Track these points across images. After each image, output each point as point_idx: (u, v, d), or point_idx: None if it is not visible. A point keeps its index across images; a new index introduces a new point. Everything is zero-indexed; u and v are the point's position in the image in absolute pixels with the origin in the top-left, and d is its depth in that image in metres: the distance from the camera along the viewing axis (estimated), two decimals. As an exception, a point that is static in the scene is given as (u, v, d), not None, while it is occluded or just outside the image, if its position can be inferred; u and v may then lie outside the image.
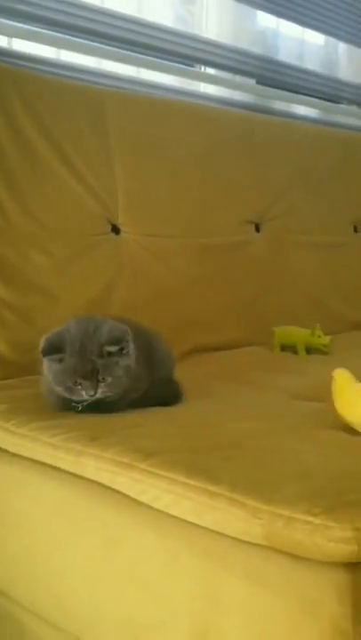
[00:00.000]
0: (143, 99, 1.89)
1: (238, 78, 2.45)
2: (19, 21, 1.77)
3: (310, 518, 0.75)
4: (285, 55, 2.67)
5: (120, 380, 1.12)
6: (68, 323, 1.15)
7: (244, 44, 2.47)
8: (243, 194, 1.99)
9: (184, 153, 1.86)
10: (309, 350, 1.75)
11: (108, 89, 1.83)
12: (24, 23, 1.79)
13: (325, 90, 2.79)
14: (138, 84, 2.06)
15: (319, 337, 1.74)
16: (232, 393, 1.34)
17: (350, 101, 2.95)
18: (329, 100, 2.85)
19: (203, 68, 2.34)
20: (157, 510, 0.88)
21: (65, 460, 1.00)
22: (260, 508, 0.78)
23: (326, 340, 1.74)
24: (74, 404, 1.13)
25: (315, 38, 2.85)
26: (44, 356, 1.11)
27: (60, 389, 1.12)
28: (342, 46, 2.98)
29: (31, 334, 1.27)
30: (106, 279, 1.60)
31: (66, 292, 1.51)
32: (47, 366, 1.13)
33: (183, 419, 1.13)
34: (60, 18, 1.83)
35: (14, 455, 1.09)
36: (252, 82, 2.50)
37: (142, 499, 0.89)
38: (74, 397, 1.12)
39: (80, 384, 1.10)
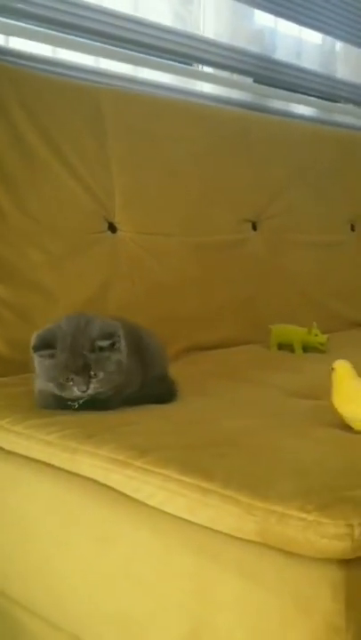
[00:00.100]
0: (140, 97, 1.89)
1: (236, 77, 2.45)
2: (16, 19, 1.77)
3: (304, 515, 0.75)
4: (283, 54, 2.67)
5: (112, 376, 1.12)
6: (60, 319, 1.15)
7: (241, 42, 2.47)
8: (240, 192, 1.99)
9: (181, 151, 1.86)
10: (306, 349, 1.75)
11: (106, 87, 1.83)
12: (21, 21, 1.79)
13: (323, 89, 2.80)
14: (135, 83, 2.06)
15: (316, 335, 1.74)
16: (228, 391, 1.34)
17: (347, 100, 2.95)
18: (326, 99, 2.85)
19: (200, 66, 2.34)
20: (152, 507, 0.88)
21: (60, 458, 1.00)
22: (253, 505, 0.78)
23: (323, 338, 1.74)
24: (69, 402, 1.13)
25: (312, 37, 2.86)
26: (35, 351, 1.11)
27: (51, 386, 1.11)
28: (340, 45, 2.98)
29: (28, 332, 1.26)
30: (103, 277, 1.60)
31: (63, 290, 1.51)
32: (38, 362, 1.12)
33: (178, 416, 1.13)
34: (58, 16, 1.84)
35: (9, 453, 1.09)
36: (250, 80, 2.50)
37: (137, 496, 0.89)
38: (65, 394, 1.11)
39: (72, 380, 1.10)
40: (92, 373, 1.10)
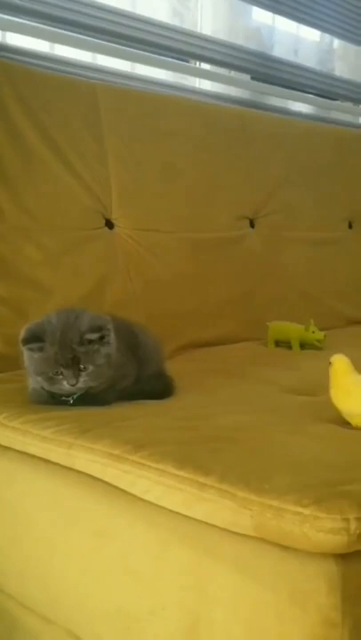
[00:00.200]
0: (137, 93, 1.89)
1: (233, 74, 2.45)
2: (12, 15, 1.77)
3: (300, 509, 0.75)
4: (280, 51, 2.67)
5: (102, 369, 1.11)
6: (49, 314, 1.14)
7: (239, 39, 2.47)
8: (237, 189, 1.99)
9: (178, 148, 1.86)
10: (304, 346, 1.75)
11: (102, 83, 1.82)
12: (18, 17, 1.78)
13: (320, 86, 2.79)
14: (132, 80, 2.06)
15: (313, 332, 1.74)
16: (225, 387, 1.34)
17: (345, 98, 2.95)
18: (324, 97, 2.85)
19: (198, 63, 2.33)
20: (148, 502, 0.87)
21: (56, 453, 1.00)
22: (249, 499, 0.78)
23: (321, 335, 1.74)
24: (64, 397, 1.13)
25: (310, 35, 2.85)
26: (24, 344, 1.11)
27: (40, 380, 1.11)
28: (337, 43, 2.98)
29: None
30: (99, 274, 1.60)
31: (59, 286, 1.51)
32: (28, 356, 1.12)
33: (174, 412, 1.13)
34: (55, 12, 1.83)
35: (6, 448, 1.09)
36: (247, 78, 2.50)
37: (133, 490, 0.89)
38: (55, 388, 1.11)
39: (61, 373, 1.09)
40: (82, 367, 1.10)
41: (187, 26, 2.31)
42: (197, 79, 2.35)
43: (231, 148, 2.00)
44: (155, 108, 1.84)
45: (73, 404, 1.13)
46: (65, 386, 1.10)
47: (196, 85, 2.34)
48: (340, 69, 2.99)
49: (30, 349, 1.11)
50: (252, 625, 0.77)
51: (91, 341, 1.10)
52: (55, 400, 1.14)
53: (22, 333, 1.12)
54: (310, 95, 2.78)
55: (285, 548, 0.76)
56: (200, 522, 0.82)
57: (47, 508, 1.02)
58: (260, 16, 2.62)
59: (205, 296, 1.81)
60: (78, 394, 1.13)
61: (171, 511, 0.85)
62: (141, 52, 2.08)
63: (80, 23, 1.89)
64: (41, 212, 1.53)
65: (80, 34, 1.91)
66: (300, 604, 0.74)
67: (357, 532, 0.73)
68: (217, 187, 1.93)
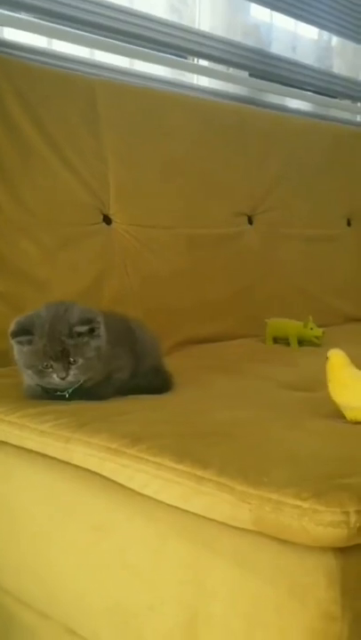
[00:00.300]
0: (135, 89, 1.88)
1: (231, 70, 2.44)
2: (10, 10, 1.76)
3: (299, 502, 0.74)
4: (279, 48, 2.66)
5: (92, 363, 1.11)
6: (40, 307, 1.14)
7: (237, 36, 2.46)
8: (235, 186, 1.98)
9: (177, 144, 1.85)
10: (302, 342, 1.75)
11: (100, 79, 1.82)
12: (15, 12, 1.77)
13: (318, 83, 2.79)
14: (130, 76, 2.05)
15: (312, 329, 1.74)
16: (223, 383, 1.33)
17: (343, 95, 2.95)
18: (322, 94, 2.84)
19: (196, 59, 2.33)
20: (146, 496, 0.87)
21: (53, 447, 0.99)
22: (248, 493, 0.77)
23: (319, 331, 1.74)
24: (58, 393, 1.12)
25: (308, 32, 2.85)
26: (12, 337, 1.10)
27: (30, 373, 1.10)
28: (335, 40, 2.98)
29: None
30: (97, 269, 1.59)
31: (56, 282, 1.50)
32: (18, 350, 1.11)
33: (172, 406, 1.13)
34: (53, 7, 1.82)
35: (3, 443, 1.08)
36: (245, 74, 2.49)
37: (131, 484, 0.88)
38: (44, 382, 1.10)
39: (51, 366, 1.09)
40: (72, 360, 1.09)
41: (185, 22, 2.30)
42: (195, 76, 2.35)
43: (229, 145, 1.99)
44: (153, 105, 1.83)
45: (69, 399, 1.12)
46: (55, 379, 1.09)
47: (194, 82, 2.33)
48: (339, 67, 2.98)
49: (19, 342, 1.10)
50: (251, 619, 0.76)
51: (80, 334, 1.10)
52: (50, 395, 1.13)
53: (11, 326, 1.11)
54: (308, 92, 2.77)
55: (284, 541, 0.75)
56: (198, 516, 0.82)
57: (44, 502, 1.01)
58: (259, 13, 2.61)
59: (203, 292, 1.81)
60: (72, 388, 1.12)
61: (169, 505, 0.84)
62: (139, 48, 2.07)
63: (78, 19, 1.88)
64: (38, 207, 1.52)
65: (78, 29, 1.91)
66: (299, 597, 0.73)
67: (357, 525, 0.73)
68: (215, 183, 1.92)
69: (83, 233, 1.59)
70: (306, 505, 0.74)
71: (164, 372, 1.29)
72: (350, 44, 2.96)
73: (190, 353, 1.64)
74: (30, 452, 1.03)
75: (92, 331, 1.11)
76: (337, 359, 1.09)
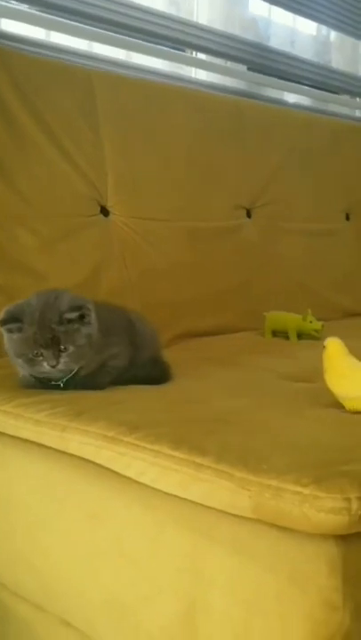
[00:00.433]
0: (133, 81, 1.87)
1: (230, 64, 2.43)
2: (7, 1, 1.75)
3: (300, 488, 0.73)
4: (277, 43, 2.65)
5: (83, 350, 1.09)
6: (30, 296, 1.12)
7: (235, 30, 2.45)
8: (234, 179, 1.97)
9: (175, 137, 1.84)
10: (301, 336, 1.73)
11: (98, 70, 1.80)
12: (13, 3, 1.76)
13: (317, 78, 2.78)
14: (128, 68, 2.04)
15: (311, 322, 1.72)
16: (221, 374, 1.32)
17: (341, 90, 2.93)
18: (320, 89, 2.83)
19: (194, 53, 2.32)
20: (143, 484, 0.85)
21: (49, 436, 0.97)
22: (247, 479, 0.76)
23: (318, 325, 1.72)
24: (52, 383, 1.11)
25: (307, 26, 2.84)
26: (2, 325, 1.09)
27: (21, 362, 1.09)
28: (334, 35, 2.97)
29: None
30: (95, 261, 1.58)
31: (54, 273, 1.49)
32: (8, 338, 1.10)
33: (170, 395, 1.11)
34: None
35: (-2, 433, 1.07)
36: (244, 68, 2.48)
37: (128, 473, 0.87)
38: (35, 370, 1.09)
39: (41, 354, 1.07)
40: (62, 347, 1.07)
41: (183, 15, 2.29)
42: (193, 69, 2.33)
43: (228, 138, 1.98)
44: (151, 96, 1.82)
45: (64, 389, 1.11)
46: (45, 367, 1.08)
47: (193, 76, 2.32)
48: (337, 62, 2.97)
49: (9, 330, 1.09)
50: (250, 608, 0.75)
51: (70, 321, 1.08)
52: (44, 385, 1.11)
53: (0, 315, 1.09)
54: (307, 87, 2.76)
55: (284, 529, 0.74)
56: (196, 503, 0.80)
57: (40, 492, 1.00)
58: (257, 7, 2.60)
59: (202, 285, 1.79)
60: (66, 378, 1.11)
61: (167, 493, 0.83)
62: (137, 40, 2.06)
63: (76, 10, 1.87)
64: (36, 199, 1.51)
65: (76, 21, 1.89)
66: (300, 585, 0.72)
67: (359, 512, 0.71)
68: (213, 176, 1.91)
69: (81, 224, 1.58)
70: (306, 491, 0.73)
71: (162, 363, 1.27)
72: (349, 39, 2.95)
73: (189, 346, 1.62)
74: (26, 441, 1.02)
75: (82, 317, 1.09)
76: (334, 348, 1.08)
